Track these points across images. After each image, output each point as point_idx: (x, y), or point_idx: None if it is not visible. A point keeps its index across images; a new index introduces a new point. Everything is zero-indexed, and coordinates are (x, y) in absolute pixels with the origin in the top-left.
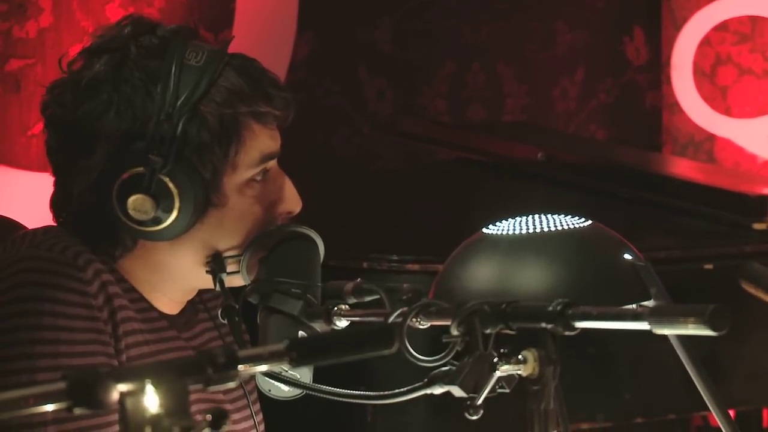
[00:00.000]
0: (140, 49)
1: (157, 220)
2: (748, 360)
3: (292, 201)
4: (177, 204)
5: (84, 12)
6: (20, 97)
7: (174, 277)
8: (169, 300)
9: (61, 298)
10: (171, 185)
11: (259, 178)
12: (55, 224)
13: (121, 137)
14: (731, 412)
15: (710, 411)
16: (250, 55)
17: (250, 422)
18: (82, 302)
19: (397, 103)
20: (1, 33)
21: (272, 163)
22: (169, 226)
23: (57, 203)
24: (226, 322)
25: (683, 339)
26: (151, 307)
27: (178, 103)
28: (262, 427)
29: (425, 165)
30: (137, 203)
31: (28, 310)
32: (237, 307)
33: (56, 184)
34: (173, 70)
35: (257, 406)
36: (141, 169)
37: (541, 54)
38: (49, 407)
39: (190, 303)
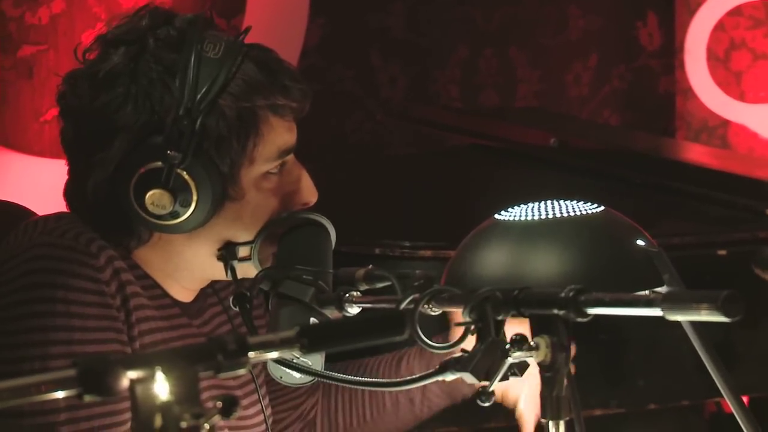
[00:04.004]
0: (158, 42)
1: (175, 214)
2: (762, 346)
3: (308, 192)
4: (195, 198)
5: None
6: (33, 83)
7: (190, 267)
8: (183, 287)
9: (74, 285)
10: (189, 179)
11: (275, 170)
12: (67, 211)
13: (138, 130)
14: (745, 399)
15: (724, 397)
16: (261, 40)
17: (260, 412)
18: (95, 289)
19: (409, 88)
20: (13, 19)
21: (289, 156)
22: (186, 219)
23: (71, 193)
24: (237, 309)
25: (696, 325)
26: (165, 294)
27: (198, 97)
28: (272, 419)
29: (437, 151)
30: (155, 198)
31: (41, 297)
32: (248, 294)
33: (70, 174)
34: (192, 64)
35: (267, 400)
36: (159, 163)
37: (554, 39)
38: (60, 394)
39: (202, 290)
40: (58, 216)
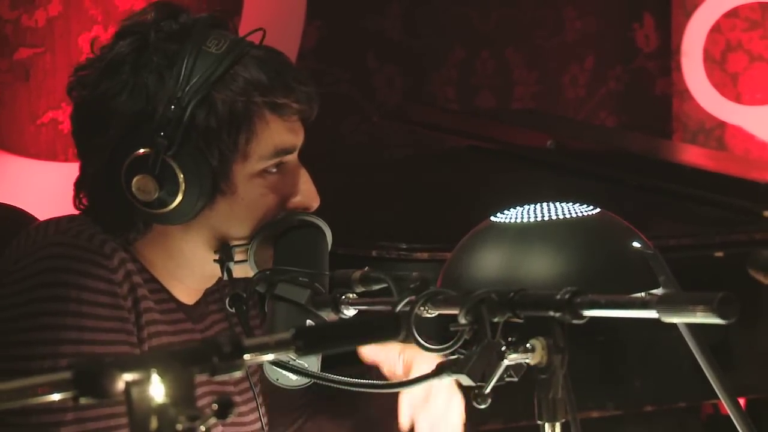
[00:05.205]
0: (160, 34)
1: (163, 202)
2: (758, 348)
3: (308, 196)
4: (182, 187)
5: (92, 0)
6: (29, 85)
7: (189, 263)
8: (186, 288)
9: (87, 285)
10: (176, 168)
11: (273, 170)
12: (68, 214)
13: (133, 118)
14: (741, 400)
15: (720, 399)
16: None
17: (257, 414)
18: (107, 290)
19: (406, 90)
20: (10, 22)
21: (289, 157)
22: (175, 208)
23: (78, 184)
24: (234, 311)
25: (692, 327)
26: (170, 298)
27: (188, 87)
28: (266, 419)
29: (434, 153)
30: (141, 183)
31: (54, 295)
32: (244, 295)
33: (80, 165)
34: (188, 55)
35: (262, 399)
36: (148, 150)
37: (550, 41)
38: (56, 396)
39: (204, 295)
40: (70, 217)
